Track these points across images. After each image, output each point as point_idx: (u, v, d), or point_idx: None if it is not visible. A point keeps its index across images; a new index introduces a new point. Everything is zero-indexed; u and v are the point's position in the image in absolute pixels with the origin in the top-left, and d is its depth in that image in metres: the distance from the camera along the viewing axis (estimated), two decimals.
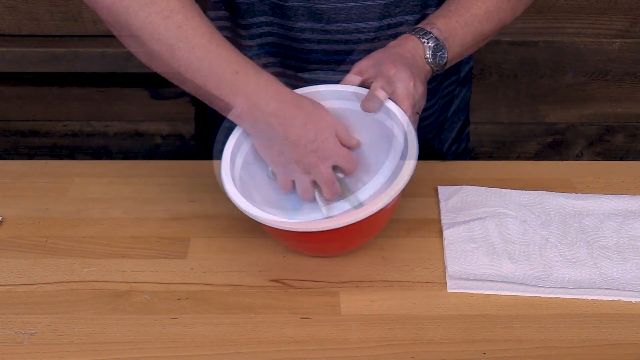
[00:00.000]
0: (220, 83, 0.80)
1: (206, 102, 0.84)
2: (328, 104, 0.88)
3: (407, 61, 0.86)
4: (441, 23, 0.90)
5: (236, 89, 0.80)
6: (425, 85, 0.88)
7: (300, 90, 0.87)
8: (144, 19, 0.79)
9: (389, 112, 0.85)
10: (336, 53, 0.96)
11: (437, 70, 0.90)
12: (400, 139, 0.84)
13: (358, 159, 0.87)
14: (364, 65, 0.87)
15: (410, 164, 0.80)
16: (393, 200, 0.79)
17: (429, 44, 0.88)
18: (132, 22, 0.80)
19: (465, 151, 1.23)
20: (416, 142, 0.82)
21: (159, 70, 0.84)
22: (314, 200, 0.85)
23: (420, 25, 0.91)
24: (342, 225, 0.77)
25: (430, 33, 0.89)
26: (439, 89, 1.09)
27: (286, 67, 0.99)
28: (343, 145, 0.84)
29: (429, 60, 0.89)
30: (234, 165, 0.85)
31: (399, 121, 0.84)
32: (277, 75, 0.89)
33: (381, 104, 0.84)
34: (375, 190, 0.85)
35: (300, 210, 0.88)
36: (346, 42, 0.95)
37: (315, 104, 0.83)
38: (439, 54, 0.89)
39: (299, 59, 0.97)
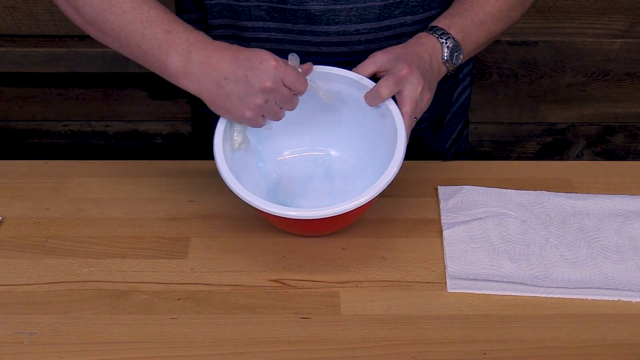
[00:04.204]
0: (153, 43, 0.82)
1: (146, 66, 0.85)
2: (329, 85, 0.90)
3: (424, 64, 0.87)
4: (457, 22, 0.91)
5: (169, 46, 0.82)
6: (433, 92, 0.89)
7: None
8: None
9: (387, 111, 0.86)
10: (336, 55, 0.96)
11: (452, 70, 0.91)
12: (392, 139, 0.85)
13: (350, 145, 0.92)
14: (381, 57, 0.87)
15: (395, 164, 0.82)
16: (372, 196, 0.82)
17: (448, 44, 0.89)
18: None
19: (464, 152, 1.23)
20: (404, 146, 0.83)
21: (94, 35, 0.86)
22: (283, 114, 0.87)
23: (436, 24, 0.91)
24: (325, 216, 0.80)
25: (448, 33, 0.89)
26: (440, 91, 1.09)
27: None
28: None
29: (446, 60, 0.89)
30: (226, 155, 0.86)
31: (394, 123, 0.85)
32: None
33: (382, 101, 0.85)
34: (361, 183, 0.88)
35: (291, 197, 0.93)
36: (346, 43, 0.95)
37: (245, 47, 0.83)
38: (455, 54, 0.90)
39: (300, 61, 0.97)
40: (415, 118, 0.86)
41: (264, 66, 0.81)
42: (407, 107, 0.85)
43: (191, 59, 0.81)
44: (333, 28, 0.94)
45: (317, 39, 0.95)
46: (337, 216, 0.82)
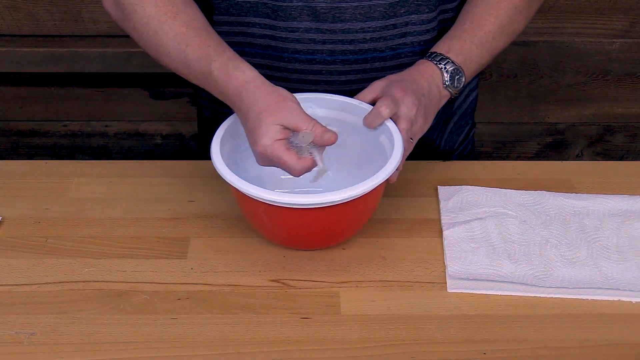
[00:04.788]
0: (197, 82, 0.87)
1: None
2: (323, 112, 0.90)
3: (420, 90, 0.87)
4: (456, 46, 0.91)
5: (207, 87, 0.86)
6: (430, 119, 0.89)
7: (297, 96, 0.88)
8: (132, 28, 0.90)
9: (383, 128, 0.86)
10: (342, 53, 0.96)
11: (455, 93, 0.92)
12: (388, 154, 0.84)
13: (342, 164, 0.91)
14: (378, 85, 0.89)
15: (389, 167, 0.81)
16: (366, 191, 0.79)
17: (447, 68, 0.90)
18: (129, 30, 0.92)
19: (471, 153, 1.23)
20: (399, 157, 0.82)
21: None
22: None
23: (435, 49, 0.92)
24: (313, 204, 0.78)
25: (447, 58, 0.90)
26: None
27: (290, 71, 0.99)
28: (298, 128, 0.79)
29: (447, 84, 0.90)
30: (224, 155, 0.85)
31: (392, 137, 0.85)
32: (280, 80, 0.91)
33: (382, 121, 0.85)
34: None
35: None
36: (351, 41, 0.95)
37: (276, 97, 0.80)
38: (457, 77, 0.90)
39: (304, 60, 0.97)
40: (411, 139, 0.86)
41: (254, 148, 0.80)
42: (403, 124, 0.85)
43: (225, 100, 0.84)
44: (338, 26, 0.94)
45: (322, 37, 0.95)
46: (322, 225, 0.81)
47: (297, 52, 0.97)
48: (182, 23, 0.86)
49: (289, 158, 0.79)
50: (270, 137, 0.78)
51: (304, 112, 0.80)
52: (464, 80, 0.91)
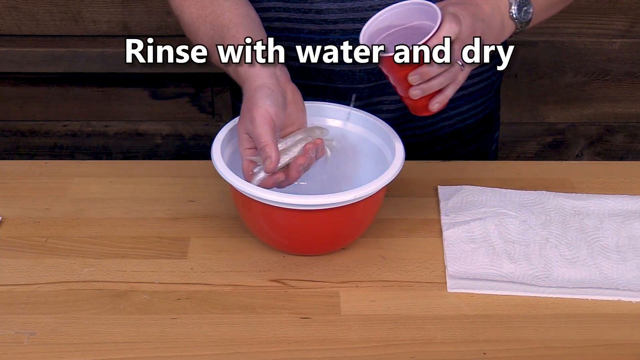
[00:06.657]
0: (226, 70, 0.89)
1: None
2: (328, 122, 0.92)
3: (480, 14, 0.81)
4: None
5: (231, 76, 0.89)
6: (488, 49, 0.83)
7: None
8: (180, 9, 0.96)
9: (385, 136, 0.88)
10: (353, 32, 0.97)
11: (521, 27, 0.86)
12: (389, 161, 0.85)
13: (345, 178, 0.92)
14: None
15: (387, 176, 0.81)
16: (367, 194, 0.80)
17: None
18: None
19: (495, 150, 1.23)
20: (401, 162, 0.83)
21: None
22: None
23: None
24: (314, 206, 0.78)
25: None
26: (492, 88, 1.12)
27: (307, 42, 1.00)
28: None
29: (514, 15, 0.84)
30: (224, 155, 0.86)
31: (394, 147, 0.85)
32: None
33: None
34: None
35: None
36: (362, 20, 0.96)
37: (252, 104, 0.81)
38: (524, 8, 0.85)
39: (319, 41, 0.99)
40: (462, 65, 0.79)
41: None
42: (455, 45, 0.78)
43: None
44: (348, 4, 0.95)
45: (334, 17, 0.96)
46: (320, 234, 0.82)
47: (311, 33, 0.98)
48: (215, 13, 0.90)
49: (245, 166, 0.82)
50: (242, 145, 0.82)
51: (269, 130, 0.78)
52: (531, 11, 0.85)
